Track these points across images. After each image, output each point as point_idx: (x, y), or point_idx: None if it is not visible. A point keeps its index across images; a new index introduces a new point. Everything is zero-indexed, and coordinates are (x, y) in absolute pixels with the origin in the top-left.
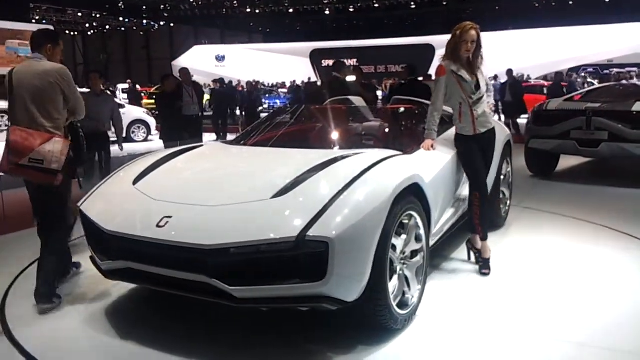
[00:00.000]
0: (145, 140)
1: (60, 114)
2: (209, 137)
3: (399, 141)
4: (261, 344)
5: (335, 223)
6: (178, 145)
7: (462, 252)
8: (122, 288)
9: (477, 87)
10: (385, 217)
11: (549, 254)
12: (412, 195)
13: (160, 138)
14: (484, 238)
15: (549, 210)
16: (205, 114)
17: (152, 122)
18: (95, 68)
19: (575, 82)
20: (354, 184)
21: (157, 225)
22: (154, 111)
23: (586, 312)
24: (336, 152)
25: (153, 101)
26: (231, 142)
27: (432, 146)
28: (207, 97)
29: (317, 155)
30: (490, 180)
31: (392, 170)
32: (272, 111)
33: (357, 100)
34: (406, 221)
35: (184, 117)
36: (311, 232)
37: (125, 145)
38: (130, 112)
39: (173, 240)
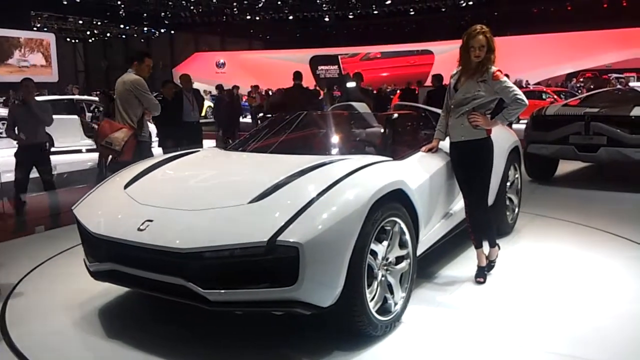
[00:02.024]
0: None
1: (135, 112)
2: (211, 144)
3: (391, 147)
4: (241, 347)
5: (307, 228)
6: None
7: (458, 260)
8: (115, 291)
9: (456, 92)
10: (362, 223)
11: (546, 260)
12: (395, 201)
13: (159, 145)
14: (476, 246)
15: (548, 215)
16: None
17: (152, 128)
18: (28, 77)
19: (575, 87)
20: (332, 189)
21: (139, 229)
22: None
23: (577, 322)
24: (324, 157)
25: None
26: (227, 149)
27: (432, 148)
28: (208, 103)
29: (304, 161)
30: (494, 188)
31: (373, 176)
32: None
33: (361, 107)
34: (388, 227)
35: (184, 123)
36: (282, 237)
37: None
38: None
39: (151, 244)
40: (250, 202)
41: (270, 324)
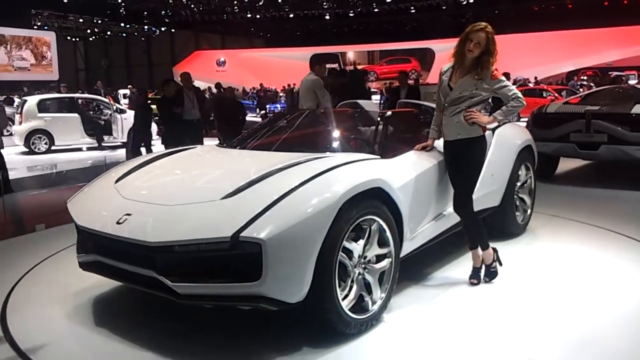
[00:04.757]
0: None
1: (311, 104)
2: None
3: (381, 145)
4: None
5: (272, 225)
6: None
7: (458, 260)
8: (115, 285)
9: (451, 89)
10: (332, 221)
11: (545, 259)
12: (374, 199)
13: (162, 143)
14: (470, 247)
15: (548, 213)
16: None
17: (153, 127)
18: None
19: (576, 84)
20: (303, 186)
21: (117, 222)
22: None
23: (575, 327)
24: (309, 155)
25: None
26: (224, 146)
27: (426, 147)
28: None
29: (287, 158)
30: (500, 187)
31: (349, 174)
32: (271, 115)
33: (367, 104)
34: (366, 226)
35: (185, 121)
36: (245, 233)
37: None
38: (132, 117)
39: (126, 237)
40: (223, 198)
41: (234, 320)
